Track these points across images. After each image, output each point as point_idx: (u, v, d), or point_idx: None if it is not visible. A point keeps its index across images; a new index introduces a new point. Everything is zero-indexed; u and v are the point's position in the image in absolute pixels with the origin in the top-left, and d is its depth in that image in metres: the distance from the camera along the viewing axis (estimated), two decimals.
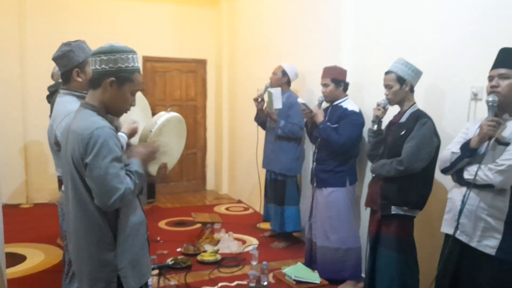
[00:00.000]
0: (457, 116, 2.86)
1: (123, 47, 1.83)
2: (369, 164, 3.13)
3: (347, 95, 3.70)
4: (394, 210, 2.80)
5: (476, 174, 2.19)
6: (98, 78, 1.82)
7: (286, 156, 4.42)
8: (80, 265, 1.89)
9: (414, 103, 2.87)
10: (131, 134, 2.31)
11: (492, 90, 2.19)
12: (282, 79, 4.49)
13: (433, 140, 2.71)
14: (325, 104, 3.74)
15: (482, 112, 2.69)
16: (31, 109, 6.00)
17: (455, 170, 2.37)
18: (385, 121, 3.03)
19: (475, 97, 2.74)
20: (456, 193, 2.35)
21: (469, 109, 2.77)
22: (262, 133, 4.82)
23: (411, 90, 2.86)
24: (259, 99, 4.54)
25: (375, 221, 2.96)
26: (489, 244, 2.19)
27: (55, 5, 6.10)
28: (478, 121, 2.38)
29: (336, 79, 3.61)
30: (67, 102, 2.39)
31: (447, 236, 2.41)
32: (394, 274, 2.83)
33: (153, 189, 6.25)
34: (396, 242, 2.82)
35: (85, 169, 1.75)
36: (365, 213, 3.66)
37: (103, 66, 1.79)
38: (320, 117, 3.57)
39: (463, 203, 2.27)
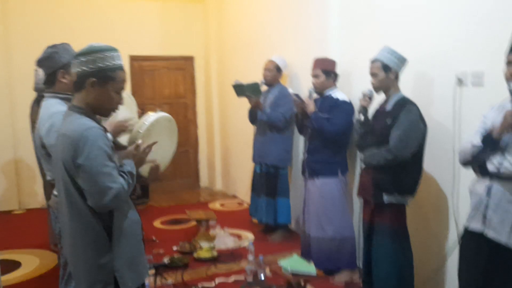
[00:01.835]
0: (443, 102, 2.88)
1: (101, 46, 1.82)
2: (359, 154, 3.15)
3: (336, 86, 3.72)
4: (386, 198, 2.82)
5: (501, 165, 2.06)
6: (81, 80, 1.81)
7: (276, 148, 4.45)
8: (77, 268, 1.89)
9: (399, 90, 2.88)
10: (116, 131, 2.30)
11: None
12: (277, 74, 4.51)
13: (419, 126, 2.73)
14: (315, 96, 3.75)
15: (468, 97, 2.71)
16: (20, 115, 5.94)
17: (477, 163, 2.21)
18: (371, 110, 3.04)
19: (460, 82, 2.75)
20: (479, 186, 2.21)
21: (454, 94, 2.78)
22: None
23: (396, 77, 2.87)
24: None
25: (368, 210, 2.98)
26: None
27: (39, 8, 6.04)
28: (496, 108, 2.24)
29: (326, 70, 3.64)
30: (51, 105, 2.38)
31: (468, 231, 2.27)
32: (390, 263, 2.85)
33: (146, 189, 6.23)
34: (390, 231, 2.84)
35: (77, 170, 1.74)
36: (358, 202, 3.69)
37: (83, 67, 1.79)
38: (311, 108, 3.58)
39: (489, 196, 2.13)
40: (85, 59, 1.79)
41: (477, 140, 2.19)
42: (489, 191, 2.13)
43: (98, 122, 1.87)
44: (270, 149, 4.47)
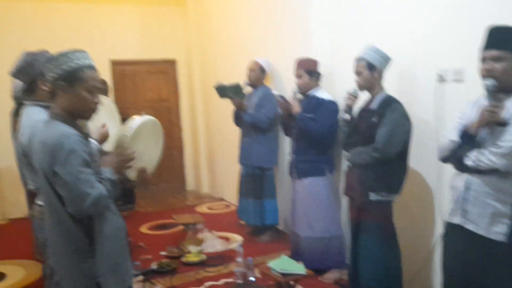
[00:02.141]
0: (425, 99, 2.91)
1: (67, 50, 1.81)
2: (345, 153, 3.16)
3: (320, 86, 3.73)
4: (372, 196, 2.83)
5: (478, 160, 2.10)
6: (52, 87, 1.82)
7: (262, 149, 4.45)
8: (62, 275, 1.89)
9: (383, 89, 2.91)
10: (102, 139, 2.27)
11: (488, 74, 2.08)
12: (261, 75, 4.50)
13: (405, 124, 2.76)
14: (299, 96, 3.76)
15: (448, 94, 2.75)
16: (1, 124, 5.83)
17: (455, 158, 2.26)
18: (356, 109, 3.06)
19: (440, 79, 2.78)
20: (459, 181, 2.26)
21: (435, 91, 2.81)
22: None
23: (381, 76, 2.89)
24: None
25: (355, 209, 2.99)
26: (499, 231, 2.09)
27: (16, 15, 5.93)
28: (472, 103, 2.29)
29: (309, 70, 3.65)
30: (32, 113, 2.35)
31: (449, 225, 2.33)
32: (378, 259, 2.86)
33: (132, 194, 6.15)
34: (377, 228, 2.86)
35: (55, 178, 1.74)
36: (344, 201, 3.71)
37: (51, 74, 1.79)
38: (296, 108, 3.59)
39: (467, 190, 2.18)
40: (51, 65, 1.79)
41: (454, 136, 2.23)
42: (468, 185, 2.18)
43: (78, 129, 1.86)
44: (255, 150, 4.47)
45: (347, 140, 3.05)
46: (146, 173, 2.16)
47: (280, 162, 4.63)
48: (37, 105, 2.39)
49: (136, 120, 2.12)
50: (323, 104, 3.58)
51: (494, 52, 2.07)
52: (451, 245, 2.34)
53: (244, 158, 4.64)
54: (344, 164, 3.46)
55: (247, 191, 4.64)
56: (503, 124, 2.07)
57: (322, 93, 3.67)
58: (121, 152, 1.96)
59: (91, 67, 1.84)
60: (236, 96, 4.36)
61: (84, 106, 1.84)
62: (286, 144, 4.38)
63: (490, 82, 2.07)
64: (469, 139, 2.16)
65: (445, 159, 2.35)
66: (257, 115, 4.34)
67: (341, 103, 3.37)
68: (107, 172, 1.86)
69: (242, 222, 5.03)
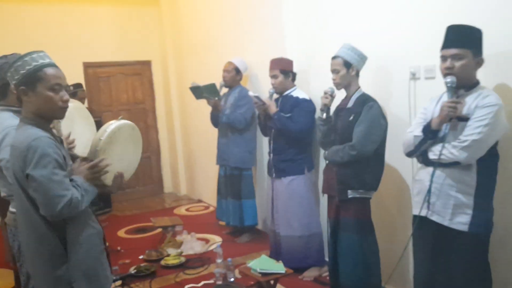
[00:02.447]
0: (399, 96, 2.96)
1: (22, 54, 1.80)
2: (323, 151, 3.19)
3: (295, 85, 3.75)
4: (350, 193, 2.87)
5: (441, 153, 2.19)
6: (16, 93, 1.80)
7: (239, 149, 4.45)
8: (37, 281, 1.88)
9: (359, 87, 2.94)
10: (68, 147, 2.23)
11: (448, 72, 2.18)
12: (236, 76, 4.50)
13: (381, 122, 2.80)
14: (275, 96, 3.77)
15: (421, 90, 2.80)
16: None
17: (419, 152, 2.37)
18: (333, 107, 3.09)
19: (413, 76, 2.83)
20: (423, 174, 2.36)
21: (409, 88, 2.87)
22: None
23: (357, 74, 2.92)
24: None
25: (333, 206, 3.02)
26: (461, 221, 2.19)
27: None
28: (435, 100, 2.39)
29: (284, 70, 3.66)
30: (4, 119, 2.29)
31: (416, 217, 2.40)
32: (357, 256, 2.90)
33: (108, 198, 6.07)
34: (355, 225, 2.89)
35: (27, 181, 1.71)
36: (323, 199, 3.74)
37: (12, 80, 1.78)
38: (273, 108, 3.60)
39: (431, 182, 2.27)
40: (10, 73, 1.78)
41: (418, 131, 2.33)
42: (432, 178, 2.27)
43: (50, 131, 1.83)
44: (233, 151, 4.46)
45: (324, 139, 3.08)
46: (122, 178, 2.10)
47: (258, 162, 4.63)
48: (8, 110, 2.33)
49: (112, 124, 2.08)
50: (299, 103, 3.60)
51: (453, 51, 2.17)
52: (419, 237, 2.42)
53: (221, 159, 4.63)
54: (323, 163, 3.49)
55: (226, 192, 4.63)
56: (464, 119, 2.16)
57: (298, 92, 3.69)
58: (93, 165, 1.91)
59: (50, 65, 1.80)
60: (212, 97, 4.34)
61: (51, 105, 1.80)
62: (263, 144, 4.39)
63: (450, 79, 2.17)
64: (432, 134, 2.26)
65: (410, 154, 2.45)
66: (234, 115, 4.34)
67: (318, 102, 3.40)
68: (79, 180, 1.84)
69: (222, 223, 5.02)
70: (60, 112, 1.85)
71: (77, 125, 2.58)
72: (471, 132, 2.11)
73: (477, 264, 2.24)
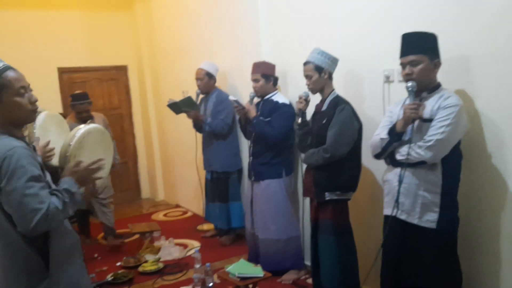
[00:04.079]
0: (373, 99, 3.01)
1: None
2: (301, 154, 3.23)
3: (276, 89, 3.77)
4: (328, 196, 2.90)
5: (408, 154, 2.27)
6: None
7: (224, 153, 4.47)
8: None
9: (333, 90, 2.98)
10: (46, 157, 2.18)
11: (407, 78, 2.29)
12: (210, 81, 4.49)
13: (353, 123, 2.84)
14: (256, 100, 3.78)
15: (395, 93, 2.86)
16: None
17: (387, 154, 2.45)
18: (310, 111, 3.12)
19: (387, 79, 2.89)
20: (391, 175, 2.45)
21: (383, 91, 2.92)
22: (199, 135, 4.75)
23: (330, 77, 2.96)
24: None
25: (313, 209, 3.06)
26: (429, 219, 2.29)
27: None
28: (399, 103, 2.48)
29: (265, 74, 3.67)
30: None
31: (387, 217, 2.48)
32: (334, 257, 2.93)
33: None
34: (333, 226, 2.92)
35: (2, 195, 1.63)
36: (305, 202, 3.76)
37: None
38: (252, 112, 3.62)
39: (400, 182, 2.35)
40: None
41: (384, 134, 2.42)
42: (400, 178, 2.35)
43: (24, 140, 1.76)
44: (218, 156, 4.48)
45: (301, 143, 3.11)
46: (94, 185, 2.01)
47: (243, 165, 4.64)
48: None
49: (80, 129, 2.05)
50: (278, 108, 3.62)
51: (410, 57, 2.29)
52: (388, 237, 2.49)
53: (209, 165, 4.63)
54: (303, 166, 3.52)
55: (213, 195, 4.63)
56: (427, 120, 2.26)
57: (278, 96, 3.70)
58: (87, 165, 1.86)
59: (7, 69, 1.70)
60: (190, 109, 4.32)
61: (21, 111, 1.72)
62: (246, 147, 4.40)
63: (410, 84, 2.28)
64: (397, 136, 2.36)
65: (377, 156, 2.54)
66: (216, 123, 4.34)
67: (294, 106, 3.43)
68: (65, 182, 1.76)
69: (201, 227, 5.01)
70: (31, 114, 1.78)
71: (52, 133, 2.53)
72: (434, 132, 2.20)
73: (446, 260, 2.32)
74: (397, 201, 2.38)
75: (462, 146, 2.34)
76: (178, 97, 5.20)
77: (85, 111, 4.52)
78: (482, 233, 2.45)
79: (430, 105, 2.28)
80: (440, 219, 2.27)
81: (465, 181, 2.40)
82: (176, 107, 4.37)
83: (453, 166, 2.30)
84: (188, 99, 4.28)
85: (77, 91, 4.79)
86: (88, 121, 2.12)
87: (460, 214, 2.37)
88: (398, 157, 2.36)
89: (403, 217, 2.38)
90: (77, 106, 4.51)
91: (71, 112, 4.69)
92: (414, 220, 2.33)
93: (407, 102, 2.31)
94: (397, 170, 2.39)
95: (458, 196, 2.35)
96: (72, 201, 1.73)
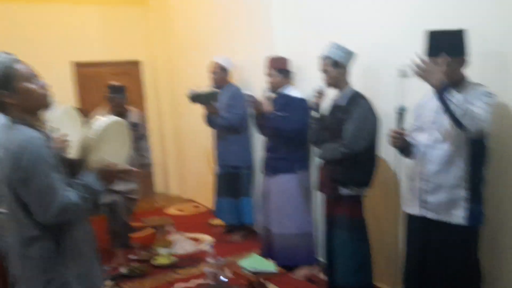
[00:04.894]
0: (389, 94, 2.96)
1: None
2: (316, 149, 3.20)
3: (291, 84, 3.75)
4: (343, 191, 2.88)
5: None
6: None
7: (236, 148, 4.46)
8: (28, 285, 1.80)
9: (350, 84, 2.95)
10: (60, 149, 2.19)
11: None
12: (224, 74, 4.48)
13: (371, 119, 2.81)
14: (271, 95, 3.76)
15: (411, 88, 2.81)
16: None
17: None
18: (326, 105, 3.10)
19: (402, 74, 2.84)
20: (415, 173, 2.39)
21: (398, 86, 2.87)
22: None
23: (347, 72, 2.93)
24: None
25: (328, 204, 3.05)
26: (458, 214, 2.23)
27: None
28: (423, 103, 2.47)
29: (280, 69, 3.66)
30: None
31: (409, 216, 2.45)
32: (349, 253, 2.92)
33: None
34: (348, 222, 2.91)
35: (19, 185, 1.65)
36: (318, 197, 3.74)
37: None
38: (267, 107, 3.60)
39: (424, 181, 2.31)
40: None
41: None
42: (424, 176, 2.32)
43: (41, 130, 1.78)
44: (230, 150, 4.47)
45: (316, 137, 3.09)
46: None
47: (255, 160, 4.63)
48: None
49: (101, 122, 2.06)
50: (294, 102, 3.60)
51: (432, 59, 2.20)
52: (412, 236, 2.46)
53: (220, 159, 4.63)
54: (317, 161, 3.51)
55: (224, 190, 4.63)
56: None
57: (293, 91, 3.68)
58: (117, 169, 1.89)
59: (14, 61, 1.73)
60: (210, 102, 4.31)
61: (33, 96, 1.75)
62: (259, 142, 4.38)
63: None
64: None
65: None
66: (230, 117, 4.32)
67: (309, 100, 3.41)
68: (87, 177, 1.79)
69: (216, 221, 5.02)
70: (44, 99, 1.79)
71: (67, 126, 2.54)
72: (480, 106, 2.07)
73: (469, 258, 2.27)
74: (422, 199, 2.33)
75: (493, 145, 2.28)
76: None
77: (122, 105, 4.28)
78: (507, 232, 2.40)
79: (462, 94, 2.17)
80: (469, 215, 2.22)
81: (494, 180, 2.35)
82: (197, 98, 4.26)
83: (479, 160, 2.23)
84: (213, 93, 4.23)
85: (114, 83, 4.41)
86: (111, 114, 2.13)
87: (486, 212, 2.31)
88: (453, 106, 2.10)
89: (430, 215, 2.32)
90: (115, 99, 4.22)
91: (105, 103, 4.36)
92: (443, 217, 2.28)
93: (430, 102, 2.31)
94: (421, 166, 2.34)
95: (484, 194, 2.29)
96: (92, 196, 1.76)
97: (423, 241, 2.38)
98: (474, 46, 2.28)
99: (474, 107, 2.06)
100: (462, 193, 2.23)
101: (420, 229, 2.38)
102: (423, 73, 2.16)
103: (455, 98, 2.05)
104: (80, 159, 1.96)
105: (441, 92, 2.09)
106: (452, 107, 2.05)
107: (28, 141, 1.65)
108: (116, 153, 2.15)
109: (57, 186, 1.67)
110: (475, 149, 2.20)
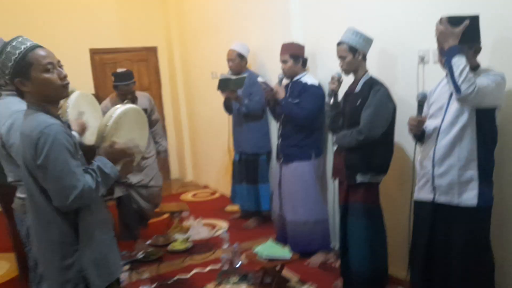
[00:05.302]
0: (407, 80, 2.93)
1: (1, 47, 1.73)
2: (332, 136, 3.18)
3: (306, 70, 3.71)
4: (359, 178, 2.86)
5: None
6: (15, 87, 1.75)
7: (254, 135, 4.46)
8: (46, 269, 1.84)
9: (367, 71, 2.91)
10: (81, 130, 2.22)
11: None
12: (241, 62, 4.44)
13: (388, 105, 2.77)
14: (285, 81, 3.74)
15: (429, 74, 2.77)
16: None
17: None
18: (341, 92, 3.06)
19: (422, 60, 2.80)
20: (426, 159, 2.39)
21: (417, 72, 2.83)
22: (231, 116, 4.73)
23: (364, 58, 2.89)
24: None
25: (343, 191, 3.02)
26: (469, 197, 2.23)
27: None
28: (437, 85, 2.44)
29: (294, 55, 3.62)
30: (10, 103, 2.29)
31: (419, 202, 2.45)
32: (363, 240, 2.90)
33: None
34: (364, 210, 2.89)
35: (38, 170, 1.68)
36: (332, 184, 3.73)
37: (5, 78, 1.73)
38: (281, 94, 3.58)
39: (435, 166, 2.31)
40: (0, 70, 1.72)
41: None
42: (434, 162, 2.32)
43: (59, 118, 1.79)
44: (248, 137, 4.48)
45: (332, 124, 3.07)
46: (131, 164, 2.04)
47: (272, 147, 4.62)
48: (14, 94, 2.33)
49: (118, 109, 2.07)
50: (308, 89, 3.56)
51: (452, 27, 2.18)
52: (420, 222, 2.47)
53: (238, 146, 4.63)
54: (332, 148, 3.48)
55: (241, 177, 4.64)
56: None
57: (307, 78, 3.64)
58: (122, 147, 1.90)
59: (35, 47, 1.73)
60: (238, 88, 4.24)
61: (51, 87, 1.74)
62: (276, 129, 4.37)
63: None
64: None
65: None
66: (252, 105, 4.30)
67: (325, 87, 3.37)
68: (99, 161, 1.80)
69: (232, 208, 5.03)
70: (61, 90, 1.78)
71: (86, 113, 2.56)
72: (484, 80, 2.10)
73: (480, 242, 2.27)
74: (433, 185, 2.33)
75: (503, 128, 2.28)
76: (207, 78, 5.20)
77: (129, 92, 3.99)
78: None
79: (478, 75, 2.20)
80: (480, 195, 2.22)
81: (502, 162, 2.34)
82: (226, 83, 4.17)
83: (488, 141, 2.23)
84: (242, 79, 4.16)
85: (120, 70, 4.16)
86: (125, 101, 2.13)
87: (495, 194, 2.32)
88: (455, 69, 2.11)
89: (441, 199, 2.33)
90: (120, 87, 3.97)
91: (113, 92, 4.14)
92: (454, 200, 2.28)
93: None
94: (430, 152, 2.34)
95: (494, 177, 2.29)
96: (104, 180, 1.78)
97: (431, 227, 2.39)
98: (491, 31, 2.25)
99: (478, 79, 2.10)
100: (471, 174, 2.23)
101: (429, 215, 2.38)
102: (440, 36, 2.18)
103: (461, 63, 2.07)
104: (96, 145, 1.97)
105: (450, 56, 2.10)
106: (454, 70, 2.08)
107: (46, 127, 1.67)
108: (133, 140, 2.16)
109: (74, 171, 1.68)
110: (484, 131, 2.20)
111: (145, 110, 3.94)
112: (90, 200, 1.77)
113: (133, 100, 4.00)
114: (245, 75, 4.25)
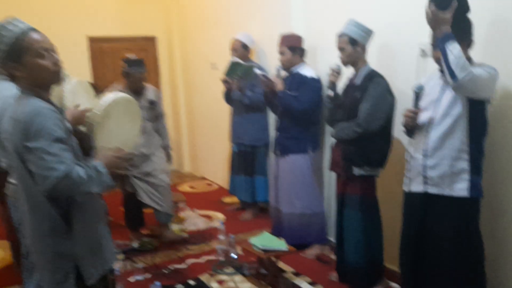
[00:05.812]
0: (407, 73, 2.90)
1: None
2: (330, 129, 3.16)
3: (304, 62, 3.68)
4: (356, 171, 2.85)
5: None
6: (7, 72, 1.71)
7: (253, 127, 4.45)
8: (38, 257, 1.81)
9: (367, 63, 2.89)
10: (77, 121, 2.19)
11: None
12: (245, 53, 4.40)
13: (387, 98, 2.75)
14: (283, 73, 3.70)
15: (430, 67, 2.73)
16: None
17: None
18: (341, 84, 3.04)
19: (423, 53, 2.77)
20: (417, 151, 2.39)
21: (418, 65, 2.80)
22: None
23: (364, 50, 2.87)
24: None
25: (340, 184, 3.02)
26: (461, 187, 2.24)
27: None
28: (428, 78, 2.43)
29: (292, 47, 3.59)
30: (4, 88, 2.27)
31: (410, 194, 2.45)
32: (360, 233, 2.90)
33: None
34: (360, 202, 2.89)
35: (26, 154, 1.64)
36: (328, 177, 3.71)
37: None
38: (279, 86, 3.55)
39: (426, 157, 2.31)
40: None
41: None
42: (425, 153, 2.33)
43: (51, 103, 1.76)
44: (247, 129, 4.46)
45: (331, 116, 3.05)
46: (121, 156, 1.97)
47: (270, 139, 4.60)
48: (7, 79, 2.31)
49: (108, 97, 2.03)
50: (305, 82, 3.54)
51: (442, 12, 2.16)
52: (409, 214, 2.48)
53: (236, 137, 4.61)
54: (329, 141, 3.46)
55: (239, 168, 4.63)
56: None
57: (306, 70, 3.60)
58: (120, 151, 1.86)
59: (28, 31, 1.68)
60: (244, 77, 4.17)
61: (44, 73, 1.71)
62: (273, 121, 4.35)
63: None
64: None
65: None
66: (255, 96, 4.26)
67: (325, 79, 3.34)
68: (97, 164, 1.76)
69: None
70: (54, 76, 1.75)
71: (82, 100, 2.53)
72: (477, 69, 2.11)
73: (470, 230, 2.28)
74: (424, 176, 2.34)
75: (496, 121, 2.30)
76: (207, 69, 5.15)
77: (140, 80, 3.84)
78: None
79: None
80: (471, 186, 2.23)
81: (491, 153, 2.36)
82: (235, 68, 4.05)
83: (479, 133, 2.23)
84: (250, 68, 4.05)
85: (131, 56, 4.01)
86: (116, 89, 2.10)
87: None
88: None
89: (433, 190, 2.33)
90: (132, 75, 3.78)
91: (113, 81, 3.87)
92: (445, 191, 2.28)
93: (433, 79, 2.32)
94: (421, 143, 2.35)
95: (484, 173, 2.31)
96: (97, 179, 1.72)
97: (422, 219, 2.39)
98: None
99: (473, 68, 2.09)
100: (463, 165, 2.23)
101: (420, 206, 2.39)
102: (430, 21, 2.17)
103: (455, 49, 2.06)
104: (87, 133, 1.94)
105: (443, 41, 2.09)
106: (449, 55, 2.06)
107: (36, 111, 1.64)
108: (124, 131, 2.12)
109: (60, 155, 1.63)
110: (475, 123, 2.20)
111: (152, 103, 3.86)
112: (78, 191, 1.69)
113: (142, 90, 3.85)
114: (253, 65, 4.19)
